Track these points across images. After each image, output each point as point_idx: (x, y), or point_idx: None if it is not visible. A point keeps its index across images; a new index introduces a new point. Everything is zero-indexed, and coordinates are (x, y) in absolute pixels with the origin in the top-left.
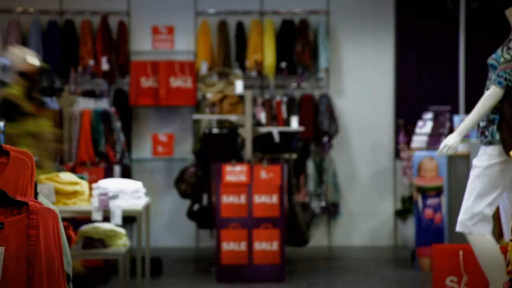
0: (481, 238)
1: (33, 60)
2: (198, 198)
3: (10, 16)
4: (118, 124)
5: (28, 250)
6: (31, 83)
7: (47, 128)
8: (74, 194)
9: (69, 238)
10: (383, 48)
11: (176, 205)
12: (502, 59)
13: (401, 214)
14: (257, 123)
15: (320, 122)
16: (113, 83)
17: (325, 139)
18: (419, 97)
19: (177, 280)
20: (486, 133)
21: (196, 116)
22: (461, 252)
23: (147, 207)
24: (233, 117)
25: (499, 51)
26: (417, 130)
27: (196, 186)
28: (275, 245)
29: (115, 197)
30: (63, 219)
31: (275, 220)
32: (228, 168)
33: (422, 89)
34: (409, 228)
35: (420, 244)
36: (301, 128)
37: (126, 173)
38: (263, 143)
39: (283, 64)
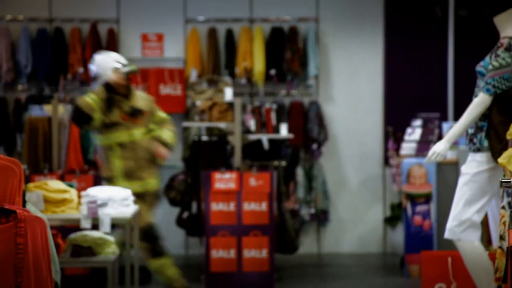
0: (469, 245)
1: (118, 67)
2: (187, 205)
3: None
4: None
5: (16, 258)
6: (113, 92)
7: (140, 136)
8: (63, 202)
9: (57, 246)
10: (372, 56)
11: (165, 213)
12: (490, 66)
13: (390, 221)
14: (246, 131)
15: (309, 129)
16: None
17: (315, 146)
18: (408, 104)
19: None
20: (475, 140)
21: (186, 124)
22: (449, 259)
23: (136, 215)
24: (222, 125)
25: (487, 58)
26: (406, 137)
27: (185, 193)
28: (264, 253)
29: (104, 205)
30: (52, 227)
31: (264, 227)
32: (217, 175)
33: (411, 96)
34: (398, 235)
35: (409, 251)
36: (291, 135)
37: None
38: (252, 151)
39: (273, 71)
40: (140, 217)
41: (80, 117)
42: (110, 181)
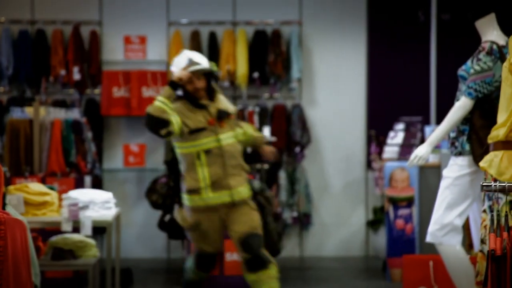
0: (451, 249)
1: (186, 65)
2: (169, 208)
3: None
4: (89, 134)
5: None
6: (184, 92)
7: (227, 141)
8: (44, 204)
9: (38, 249)
10: (355, 59)
11: (147, 216)
12: (472, 70)
13: (373, 224)
14: None
15: (292, 132)
16: (84, 93)
17: (297, 149)
18: (390, 107)
19: None
20: (456, 143)
21: None
22: (431, 263)
23: (117, 218)
24: None
25: (469, 62)
26: (389, 140)
27: (167, 196)
28: None
29: (85, 207)
30: (32, 230)
31: None
32: None
33: (394, 100)
34: (380, 239)
35: (391, 255)
36: (273, 138)
37: (97, 184)
38: None
39: (256, 74)
40: (239, 227)
41: (155, 123)
42: (195, 193)
